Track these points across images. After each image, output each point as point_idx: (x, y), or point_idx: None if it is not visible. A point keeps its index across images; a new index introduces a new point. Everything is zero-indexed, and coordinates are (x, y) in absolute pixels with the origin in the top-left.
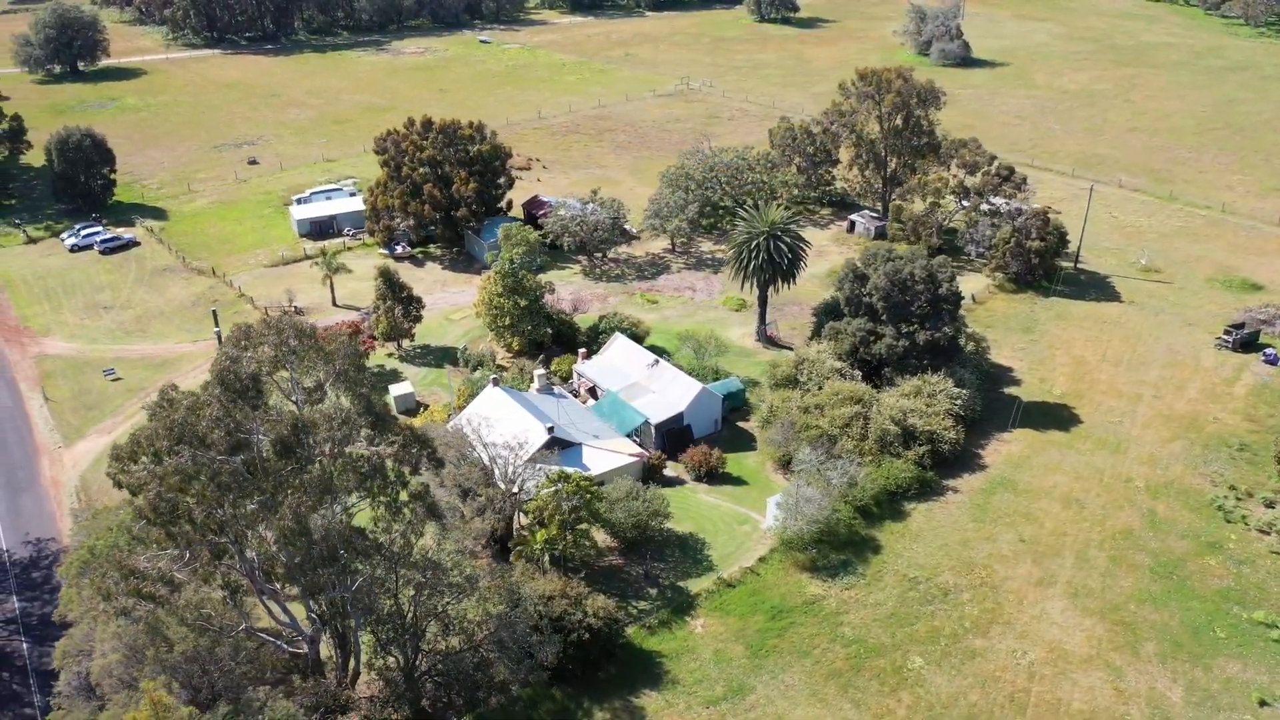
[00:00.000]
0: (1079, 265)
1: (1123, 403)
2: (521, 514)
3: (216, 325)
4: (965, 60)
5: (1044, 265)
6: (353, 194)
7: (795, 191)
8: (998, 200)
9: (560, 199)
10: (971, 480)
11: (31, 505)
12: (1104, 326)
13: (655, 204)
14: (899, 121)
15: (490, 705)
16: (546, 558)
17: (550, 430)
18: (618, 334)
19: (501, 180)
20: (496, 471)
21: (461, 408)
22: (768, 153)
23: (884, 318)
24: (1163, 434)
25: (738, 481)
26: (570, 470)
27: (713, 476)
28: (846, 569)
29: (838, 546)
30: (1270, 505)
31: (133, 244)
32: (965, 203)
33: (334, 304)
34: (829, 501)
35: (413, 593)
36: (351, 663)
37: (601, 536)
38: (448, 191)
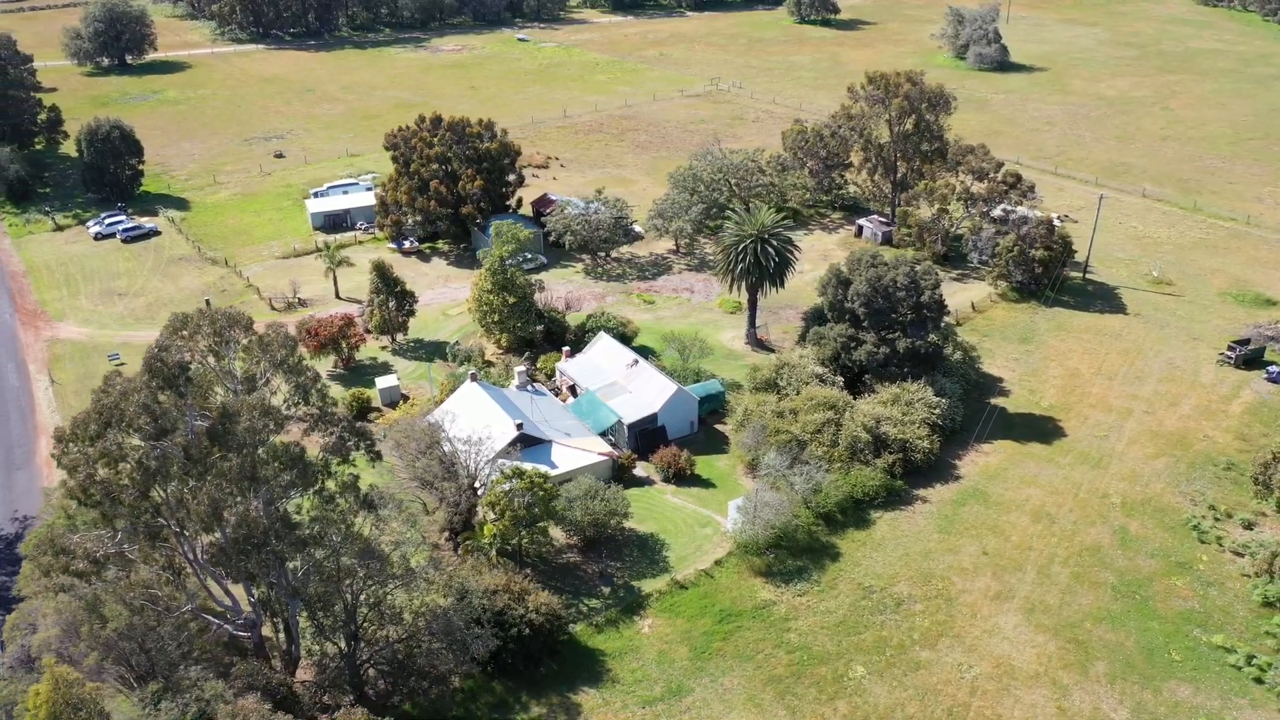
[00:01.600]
0: (1087, 275)
1: (1111, 417)
2: (486, 509)
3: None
4: (1002, 64)
5: (1049, 275)
6: (369, 189)
7: (806, 195)
8: (1013, 208)
9: (566, 198)
10: (943, 491)
11: (24, 483)
12: (1104, 339)
13: (659, 205)
14: (909, 126)
15: (431, 696)
16: (494, 552)
17: (519, 427)
18: (602, 333)
19: (510, 178)
20: (460, 466)
21: (442, 402)
22: (779, 155)
23: (865, 324)
24: (1148, 450)
25: (706, 484)
26: (527, 467)
27: (681, 478)
28: (801, 575)
29: (796, 552)
30: (1249, 527)
31: (154, 233)
32: (972, 209)
33: (337, 296)
34: (789, 507)
35: (349, 582)
36: (292, 648)
37: (561, 534)
38: (454, 188)
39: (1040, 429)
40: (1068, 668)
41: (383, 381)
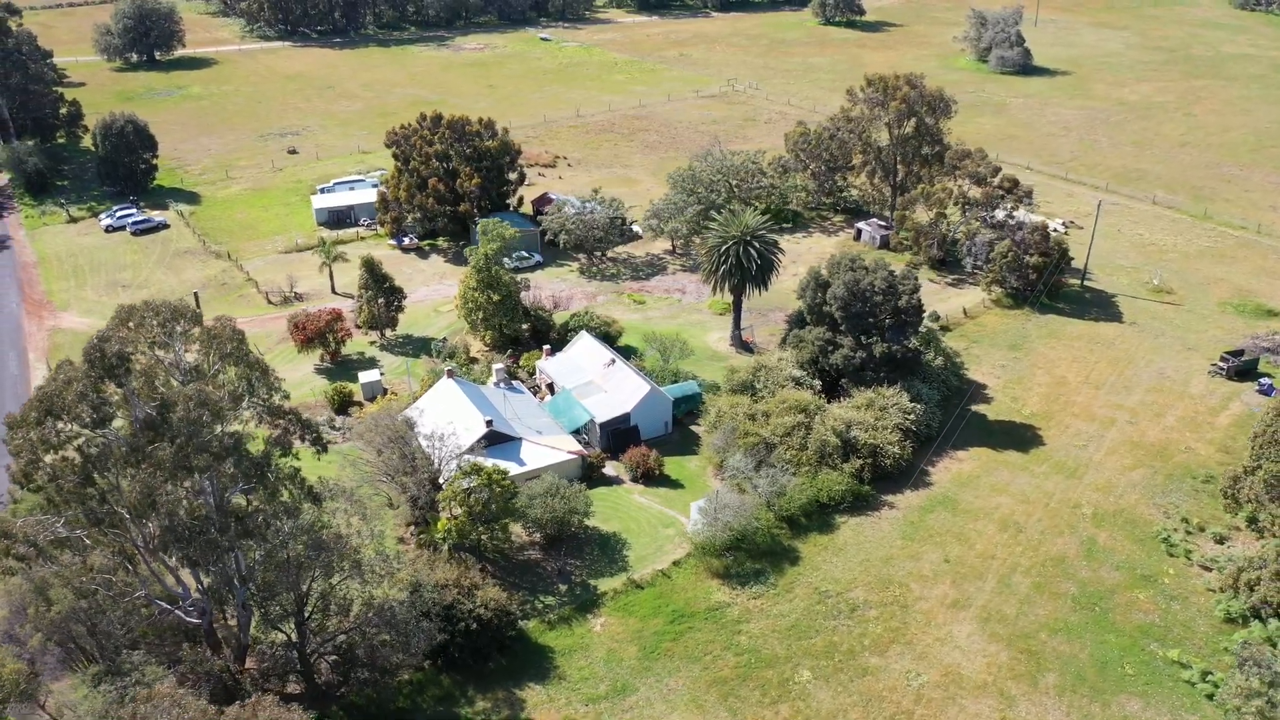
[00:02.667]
0: (1086, 282)
1: (1093, 426)
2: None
3: (198, 307)
4: (1025, 68)
5: (1044, 281)
6: (375, 186)
7: (807, 197)
8: (1014, 214)
9: (565, 197)
10: (912, 497)
11: None
12: (1096, 347)
13: (655, 205)
14: (910, 129)
15: (378, 688)
16: (446, 546)
17: (488, 423)
18: (583, 332)
19: (511, 176)
20: (432, 460)
21: (419, 397)
22: (781, 157)
23: (843, 328)
24: (1126, 461)
25: (675, 484)
26: (487, 463)
27: (650, 478)
28: (758, 578)
29: (755, 555)
30: (1220, 541)
31: (163, 226)
32: (969, 214)
33: (333, 291)
34: (751, 509)
35: (298, 573)
36: (241, 636)
37: (523, 531)
38: (453, 186)
39: (1019, 437)
40: (1017, 678)
41: (365, 376)
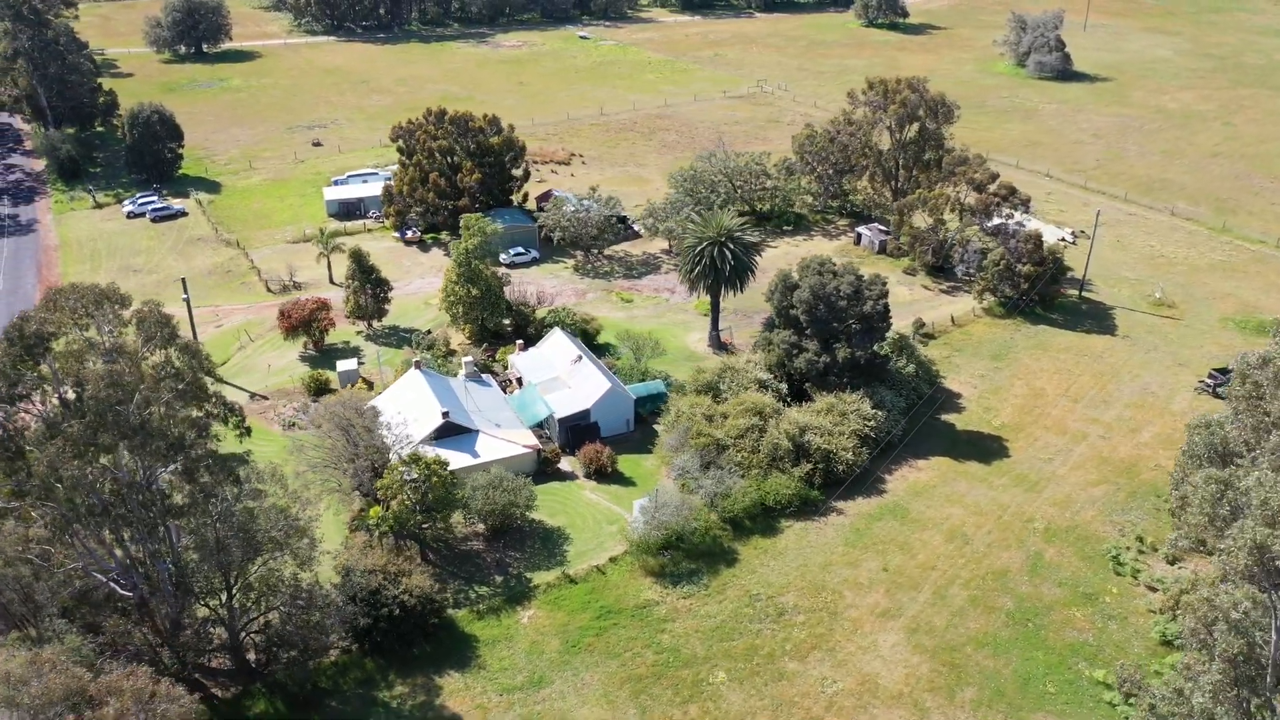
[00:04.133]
0: (1084, 294)
1: (1063, 440)
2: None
3: (185, 292)
4: (1063, 73)
5: (1038, 290)
6: (388, 179)
7: (811, 199)
8: (1019, 221)
9: (566, 194)
10: (863, 504)
11: None
12: (1083, 359)
13: (652, 204)
14: (912, 134)
15: (306, 668)
16: (377, 533)
17: (444, 415)
18: (556, 328)
19: (516, 173)
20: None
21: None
22: (787, 159)
23: (808, 332)
24: (1091, 476)
25: (628, 482)
26: (430, 454)
27: (603, 475)
28: (692, 578)
29: (693, 555)
30: (1172, 561)
31: (181, 214)
32: (969, 220)
33: (330, 281)
34: (691, 510)
35: (224, 552)
36: (166, 611)
37: (461, 520)
38: (454, 181)
39: (984, 448)
40: (934, 691)
41: (342, 365)
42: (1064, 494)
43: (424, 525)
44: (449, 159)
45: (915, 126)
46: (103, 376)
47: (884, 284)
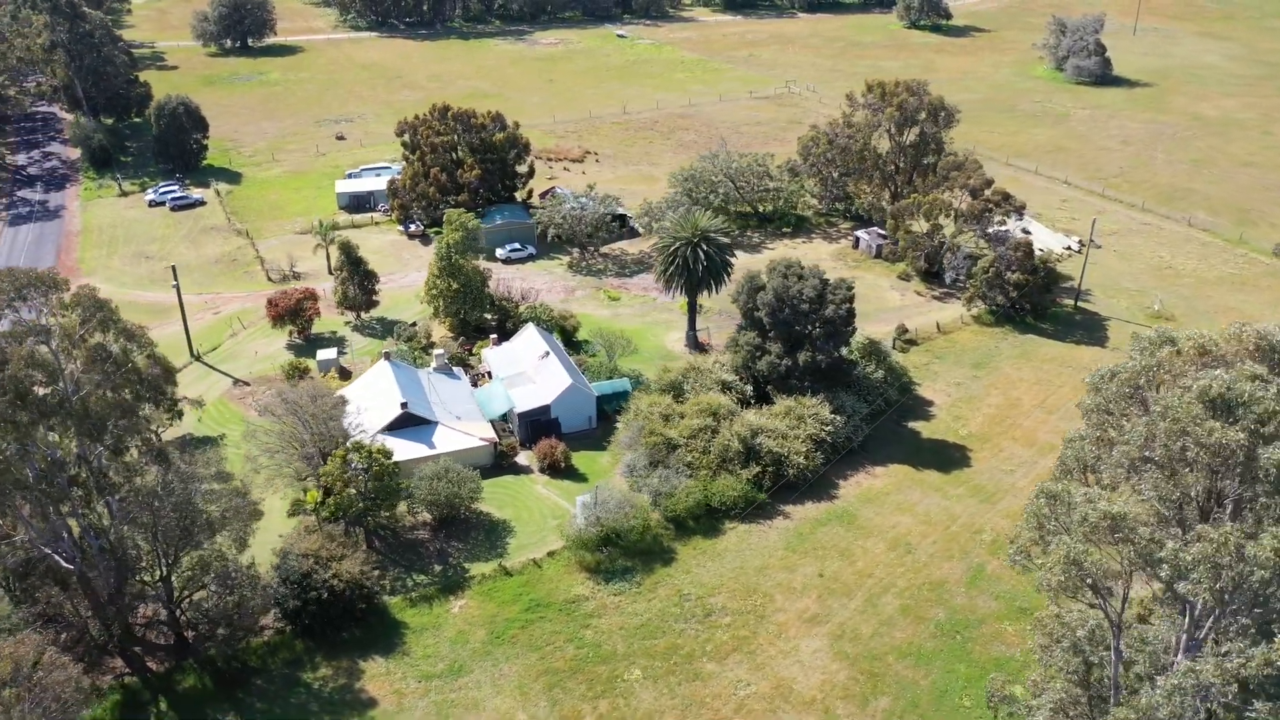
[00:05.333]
0: (1079, 304)
1: (1030, 452)
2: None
3: (175, 279)
4: (1102, 78)
5: (1027, 299)
6: (399, 173)
7: (815, 202)
8: (1000, 227)
9: (567, 191)
10: (811, 509)
11: None
12: (1065, 371)
13: (649, 203)
14: (913, 137)
15: (234, 645)
16: (316, 518)
17: (403, 406)
18: (529, 324)
19: (520, 169)
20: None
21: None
22: (791, 160)
23: (771, 334)
24: None
25: (581, 478)
26: (373, 443)
27: (556, 470)
28: (625, 576)
29: (630, 553)
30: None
31: (200, 204)
32: (964, 227)
33: (329, 272)
34: (632, 508)
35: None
36: (110, 585)
37: (423, 512)
38: (455, 176)
39: (946, 457)
40: (848, 698)
41: (322, 354)
42: (1018, 506)
43: (366, 513)
44: (451, 155)
45: (916, 130)
46: (22, 356)
47: (849, 288)
